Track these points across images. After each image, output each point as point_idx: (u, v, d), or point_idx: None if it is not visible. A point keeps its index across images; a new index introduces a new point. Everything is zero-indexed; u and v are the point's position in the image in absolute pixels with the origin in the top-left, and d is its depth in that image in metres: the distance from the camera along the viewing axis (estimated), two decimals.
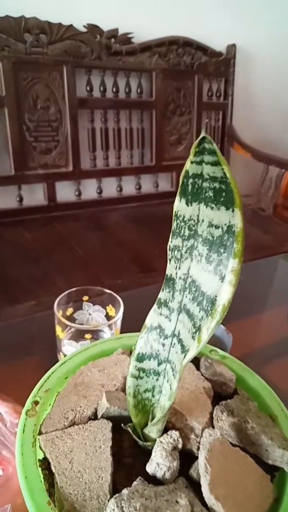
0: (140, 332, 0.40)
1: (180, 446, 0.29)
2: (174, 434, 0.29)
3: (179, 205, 0.23)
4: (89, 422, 0.31)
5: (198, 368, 0.37)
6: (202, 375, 0.36)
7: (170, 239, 0.26)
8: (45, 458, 0.30)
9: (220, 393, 0.35)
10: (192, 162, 0.21)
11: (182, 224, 0.24)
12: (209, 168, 0.21)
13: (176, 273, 0.26)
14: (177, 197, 0.23)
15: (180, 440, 0.29)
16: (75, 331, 0.54)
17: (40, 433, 0.30)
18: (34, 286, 1.14)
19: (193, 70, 1.65)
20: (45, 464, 0.29)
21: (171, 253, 0.26)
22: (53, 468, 0.28)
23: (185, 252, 0.25)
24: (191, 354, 0.24)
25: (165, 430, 0.30)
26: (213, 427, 0.31)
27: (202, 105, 1.72)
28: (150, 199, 1.73)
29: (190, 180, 0.22)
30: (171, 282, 0.27)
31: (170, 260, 0.26)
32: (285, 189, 1.78)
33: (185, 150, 1.75)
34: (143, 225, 1.56)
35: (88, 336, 0.51)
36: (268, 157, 1.70)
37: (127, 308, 0.54)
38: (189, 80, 1.66)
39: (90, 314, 0.59)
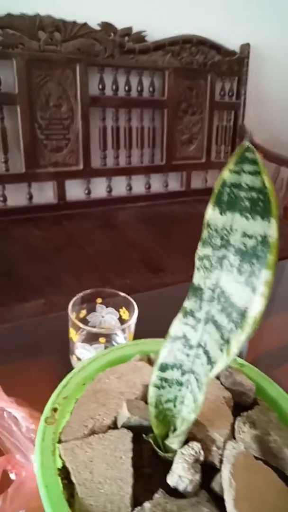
0: (159, 340, 0.39)
1: (202, 458, 0.28)
2: (196, 446, 0.29)
3: (212, 214, 0.23)
4: (109, 431, 0.30)
5: (217, 377, 0.36)
6: (222, 384, 0.35)
7: (199, 248, 0.25)
8: (64, 467, 0.29)
9: (240, 403, 0.35)
10: (230, 171, 0.21)
11: (214, 233, 0.23)
12: (249, 178, 0.20)
13: (205, 283, 0.25)
14: (210, 206, 0.23)
15: (202, 452, 0.28)
16: (88, 333, 0.53)
17: (59, 441, 0.30)
18: (42, 285, 1.14)
19: (206, 69, 1.63)
20: (64, 473, 0.29)
21: (200, 262, 0.25)
22: (73, 478, 0.28)
23: (216, 262, 0.24)
24: (219, 367, 0.24)
25: (186, 441, 0.29)
26: (234, 438, 0.30)
27: (214, 104, 1.71)
28: (160, 199, 1.73)
29: (227, 189, 0.21)
30: (199, 291, 0.26)
31: (198, 269, 0.25)
32: None
33: (196, 150, 1.74)
34: (152, 224, 1.55)
35: (102, 339, 0.51)
36: (280, 158, 1.68)
37: (139, 311, 0.53)
38: (201, 79, 1.64)
39: (103, 317, 0.58)
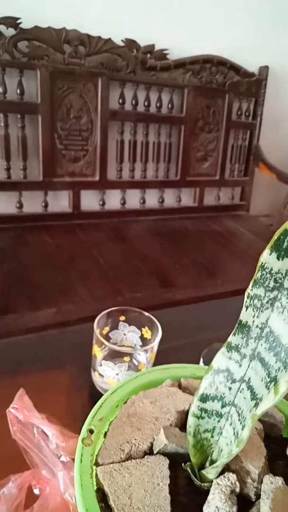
0: (190, 365, 0.40)
1: (238, 490, 0.29)
2: (232, 477, 0.29)
3: (268, 258, 0.24)
4: (146, 457, 0.31)
5: None
6: None
7: (250, 287, 0.26)
8: (99, 489, 0.30)
9: (270, 434, 0.35)
10: None
11: (268, 275, 0.25)
12: None
13: (253, 321, 0.26)
14: (267, 250, 0.24)
15: (237, 483, 0.29)
16: (110, 350, 0.54)
17: (97, 464, 0.31)
18: (54, 293, 1.15)
19: (225, 89, 1.66)
20: (99, 495, 0.30)
21: (250, 301, 0.26)
22: (111, 503, 0.28)
23: (267, 302, 0.25)
24: (267, 405, 0.25)
25: (220, 472, 0.30)
26: (268, 471, 0.31)
27: (231, 123, 1.73)
28: (172, 213, 1.74)
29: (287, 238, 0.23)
30: (246, 328, 0.27)
31: (247, 307, 0.27)
32: None
33: (210, 167, 1.76)
34: (164, 238, 1.56)
35: (127, 358, 0.52)
36: None
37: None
38: (219, 98, 1.67)
39: (125, 334, 0.59)
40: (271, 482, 0.28)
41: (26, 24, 1.29)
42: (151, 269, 1.34)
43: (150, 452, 0.32)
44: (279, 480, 0.28)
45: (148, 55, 1.49)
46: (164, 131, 1.62)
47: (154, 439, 0.32)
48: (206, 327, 0.73)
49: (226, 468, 0.31)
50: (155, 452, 0.32)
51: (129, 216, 1.65)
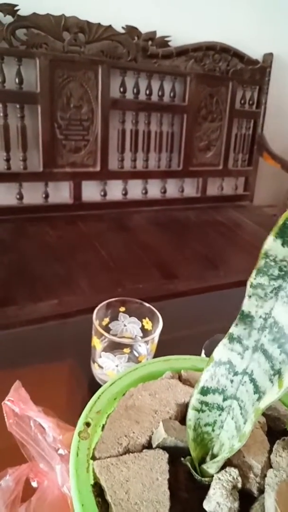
0: (190, 357, 0.39)
1: (239, 485, 0.28)
2: (234, 472, 0.28)
3: (272, 244, 0.23)
4: (144, 451, 0.30)
5: None
6: None
7: (253, 276, 0.25)
8: (96, 483, 0.29)
9: (273, 428, 0.34)
10: None
11: (272, 263, 0.23)
12: None
13: (256, 311, 0.25)
14: (271, 237, 0.22)
15: (239, 479, 0.28)
16: (110, 341, 0.53)
17: (93, 457, 0.30)
18: (55, 284, 1.15)
19: (228, 76, 1.63)
20: (96, 490, 0.29)
21: (253, 290, 0.25)
22: (108, 497, 0.27)
23: (271, 291, 0.24)
24: (270, 399, 0.24)
25: (222, 466, 0.29)
26: (271, 465, 0.30)
27: (234, 112, 1.70)
28: (175, 204, 1.72)
29: None
30: (248, 319, 0.26)
31: (249, 296, 0.25)
32: None
33: (214, 157, 1.74)
34: (166, 229, 1.55)
35: (127, 350, 0.51)
36: None
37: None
38: (223, 87, 1.64)
39: (125, 325, 0.58)
40: (276, 476, 0.27)
41: (24, 11, 1.26)
42: (153, 260, 1.33)
43: (148, 446, 0.31)
44: (284, 474, 0.27)
45: (150, 42, 1.46)
46: (166, 120, 1.60)
47: (152, 433, 0.31)
48: (208, 318, 0.72)
49: (228, 463, 0.30)
50: (154, 446, 0.31)
51: (131, 207, 1.63)
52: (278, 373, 0.24)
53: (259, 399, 0.25)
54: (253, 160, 1.82)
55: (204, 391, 0.28)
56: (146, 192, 1.67)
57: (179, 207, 1.71)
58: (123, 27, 1.41)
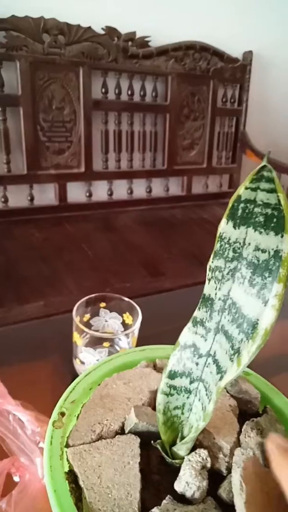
0: (165, 346, 0.40)
1: (209, 465, 0.29)
2: (203, 453, 0.29)
3: (225, 227, 0.23)
4: (116, 436, 0.31)
5: None
6: (227, 392, 0.36)
7: (210, 260, 0.26)
8: (71, 471, 0.30)
9: (245, 411, 0.35)
10: (246, 188, 0.21)
11: (227, 246, 0.24)
12: (264, 195, 0.21)
13: (216, 294, 0.26)
14: (224, 220, 0.23)
15: (208, 459, 0.29)
16: (91, 337, 0.54)
17: (67, 445, 0.30)
18: (42, 286, 1.15)
19: (209, 75, 1.65)
20: (71, 477, 0.29)
21: (211, 273, 0.26)
22: (81, 483, 0.28)
23: (227, 273, 0.25)
24: (230, 377, 0.24)
25: (192, 448, 0.30)
26: (239, 445, 0.31)
27: (216, 110, 1.72)
28: (160, 203, 1.73)
29: (241, 205, 0.22)
30: (209, 302, 0.26)
31: (209, 280, 0.26)
32: None
33: (197, 155, 1.75)
34: (153, 228, 1.56)
35: (106, 344, 0.51)
36: (281, 166, 1.69)
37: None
38: (204, 85, 1.66)
39: (106, 321, 0.58)
40: (242, 454, 0.28)
41: (2, 13, 1.26)
42: (140, 259, 1.34)
43: (122, 432, 0.32)
44: (250, 452, 0.28)
45: (130, 43, 1.47)
46: (149, 120, 1.61)
47: (125, 419, 0.32)
48: (192, 312, 0.73)
49: (199, 445, 0.31)
50: (126, 431, 0.31)
51: (116, 207, 1.64)
52: (238, 352, 0.24)
53: (221, 379, 0.26)
54: (237, 157, 1.84)
55: (172, 375, 0.29)
56: (131, 192, 1.67)
57: (165, 206, 1.72)
58: (102, 28, 1.42)
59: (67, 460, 0.30)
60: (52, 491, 0.27)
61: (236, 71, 1.69)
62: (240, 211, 0.22)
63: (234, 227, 0.23)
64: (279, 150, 1.84)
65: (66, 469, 0.30)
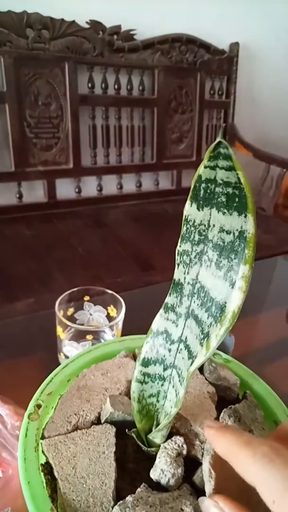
0: (145, 336, 0.40)
1: (184, 452, 0.28)
2: (179, 440, 0.29)
3: (189, 209, 0.23)
4: (92, 426, 0.30)
5: (201, 372, 0.37)
6: (206, 379, 0.35)
7: (178, 244, 0.25)
8: (47, 463, 0.29)
9: (224, 398, 0.35)
10: (205, 167, 0.21)
11: (192, 229, 0.24)
12: (223, 173, 0.20)
13: (185, 278, 0.26)
14: (188, 202, 0.23)
15: (184, 446, 0.29)
16: (76, 331, 0.53)
17: (43, 437, 0.30)
18: (33, 283, 1.14)
19: (196, 67, 1.64)
20: (47, 468, 0.29)
21: (180, 258, 0.25)
22: (56, 474, 0.28)
23: (194, 257, 0.25)
24: (199, 361, 0.24)
25: (169, 436, 0.29)
26: None
27: (204, 103, 1.71)
28: (150, 197, 1.73)
29: (203, 185, 0.22)
30: (179, 287, 0.26)
31: (178, 264, 0.26)
32: (286, 189, 1.77)
33: (186, 148, 1.74)
34: (143, 223, 1.55)
35: (89, 337, 0.51)
36: (269, 157, 1.69)
37: (128, 309, 0.54)
38: (191, 78, 1.65)
39: (91, 315, 0.58)
40: None
41: None
42: (131, 253, 1.33)
43: (98, 422, 0.31)
44: None
45: (115, 37, 1.46)
46: (136, 114, 1.60)
47: (102, 409, 0.32)
48: None
49: (175, 432, 0.30)
50: (102, 421, 0.31)
51: (106, 203, 1.63)
52: (207, 336, 0.24)
53: (192, 364, 0.25)
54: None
55: (145, 363, 0.29)
56: (121, 187, 1.67)
57: (155, 200, 1.72)
58: (87, 22, 1.41)
59: (43, 452, 0.29)
60: (25, 483, 0.27)
61: (223, 63, 1.68)
62: (202, 192, 0.22)
63: (198, 208, 0.23)
64: (268, 141, 1.84)
65: (43, 461, 0.29)
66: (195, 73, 1.65)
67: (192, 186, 0.22)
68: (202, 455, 0.29)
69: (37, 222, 1.45)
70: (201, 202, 0.22)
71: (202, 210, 0.23)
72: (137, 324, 0.57)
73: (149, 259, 1.32)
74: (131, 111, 1.58)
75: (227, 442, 0.21)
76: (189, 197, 0.23)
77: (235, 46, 1.69)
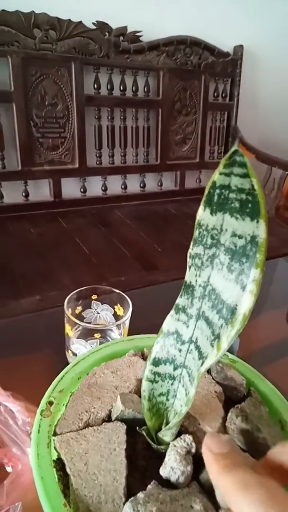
0: (153, 336, 0.40)
1: (193, 450, 0.29)
2: (188, 438, 0.30)
3: (203, 214, 0.24)
4: (103, 424, 0.31)
5: (209, 371, 0.37)
6: (213, 379, 0.36)
7: (190, 247, 0.26)
8: (59, 459, 0.30)
9: (231, 397, 0.36)
10: (220, 174, 0.22)
11: (205, 232, 0.24)
12: (238, 180, 0.21)
13: (196, 281, 0.26)
14: (201, 207, 0.24)
15: (193, 444, 0.29)
16: (84, 329, 0.54)
17: (55, 434, 0.31)
18: (38, 281, 1.15)
19: (200, 70, 1.64)
20: (59, 465, 0.30)
21: (192, 261, 0.26)
22: (68, 470, 0.28)
23: (206, 260, 0.25)
24: (210, 361, 0.25)
25: (178, 434, 0.30)
26: (225, 431, 0.31)
27: (208, 105, 1.72)
28: (154, 198, 1.74)
29: (217, 191, 0.22)
30: (190, 289, 0.27)
31: (190, 267, 0.26)
32: None
33: (190, 150, 1.75)
34: (147, 223, 1.56)
35: (97, 335, 0.52)
36: (271, 159, 1.70)
37: (133, 307, 0.54)
38: (195, 80, 1.65)
39: (98, 313, 0.59)
40: None
41: None
42: (134, 253, 1.34)
43: (109, 420, 0.32)
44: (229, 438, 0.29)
45: (121, 38, 1.47)
46: (141, 115, 1.61)
47: (112, 407, 0.32)
48: None
49: (184, 431, 0.31)
50: (113, 419, 0.32)
51: (111, 202, 1.64)
52: (218, 337, 0.25)
53: (202, 364, 0.26)
54: (228, 151, 1.84)
55: (156, 362, 0.30)
56: (125, 187, 1.67)
57: (159, 200, 1.73)
58: (93, 23, 1.42)
59: (55, 448, 0.30)
60: (38, 478, 0.28)
61: (227, 65, 1.69)
62: (216, 197, 0.23)
63: (211, 213, 0.23)
64: (270, 143, 1.84)
65: (55, 457, 0.30)
66: (200, 75, 1.65)
67: (206, 192, 0.23)
68: None
69: (42, 220, 1.46)
70: (214, 207, 0.23)
71: (215, 215, 0.23)
72: (143, 323, 0.58)
73: (152, 258, 1.32)
74: (136, 112, 1.59)
75: (225, 486, 0.22)
76: (202, 202, 0.23)
77: (239, 49, 1.70)
